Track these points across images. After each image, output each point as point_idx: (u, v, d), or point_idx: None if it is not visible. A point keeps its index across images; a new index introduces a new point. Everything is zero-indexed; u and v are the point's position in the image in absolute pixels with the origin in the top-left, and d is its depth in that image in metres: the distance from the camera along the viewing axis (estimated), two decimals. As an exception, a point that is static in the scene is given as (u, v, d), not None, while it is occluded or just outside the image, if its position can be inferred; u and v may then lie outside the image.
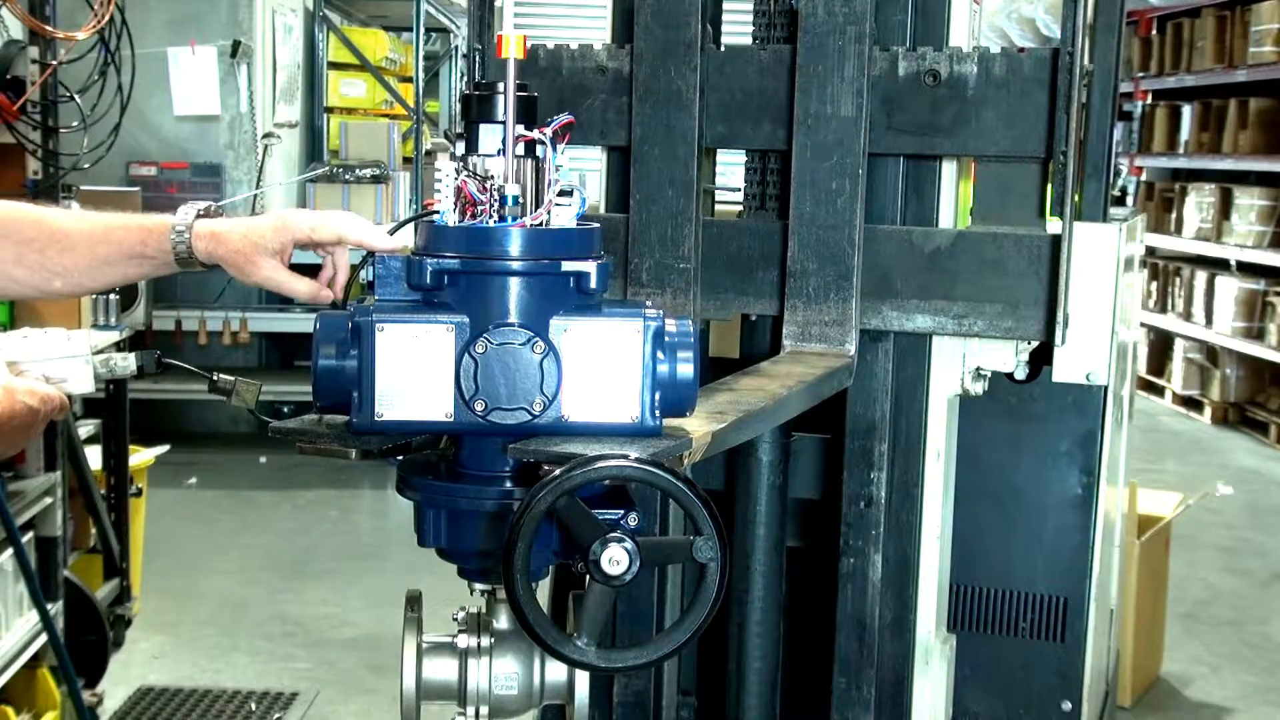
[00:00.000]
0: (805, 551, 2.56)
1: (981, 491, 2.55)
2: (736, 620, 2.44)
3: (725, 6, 2.53)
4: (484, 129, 1.61)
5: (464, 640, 1.75)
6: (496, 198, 1.57)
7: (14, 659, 3.47)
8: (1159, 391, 9.95)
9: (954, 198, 2.36)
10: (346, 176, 8.14)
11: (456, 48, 11.97)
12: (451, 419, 1.55)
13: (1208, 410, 9.33)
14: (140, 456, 4.88)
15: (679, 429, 1.61)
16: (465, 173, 1.58)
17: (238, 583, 5.57)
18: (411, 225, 1.72)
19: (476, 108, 1.62)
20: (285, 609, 5.26)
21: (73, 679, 3.01)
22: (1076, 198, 2.35)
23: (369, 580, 5.58)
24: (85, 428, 4.37)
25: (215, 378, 1.93)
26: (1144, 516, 4.53)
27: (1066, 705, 2.58)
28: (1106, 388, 2.48)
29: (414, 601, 1.79)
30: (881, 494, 2.34)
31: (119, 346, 4.20)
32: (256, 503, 6.77)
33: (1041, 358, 2.41)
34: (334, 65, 8.91)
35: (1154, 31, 10.91)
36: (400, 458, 1.67)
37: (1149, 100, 10.98)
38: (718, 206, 2.68)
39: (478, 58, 2.44)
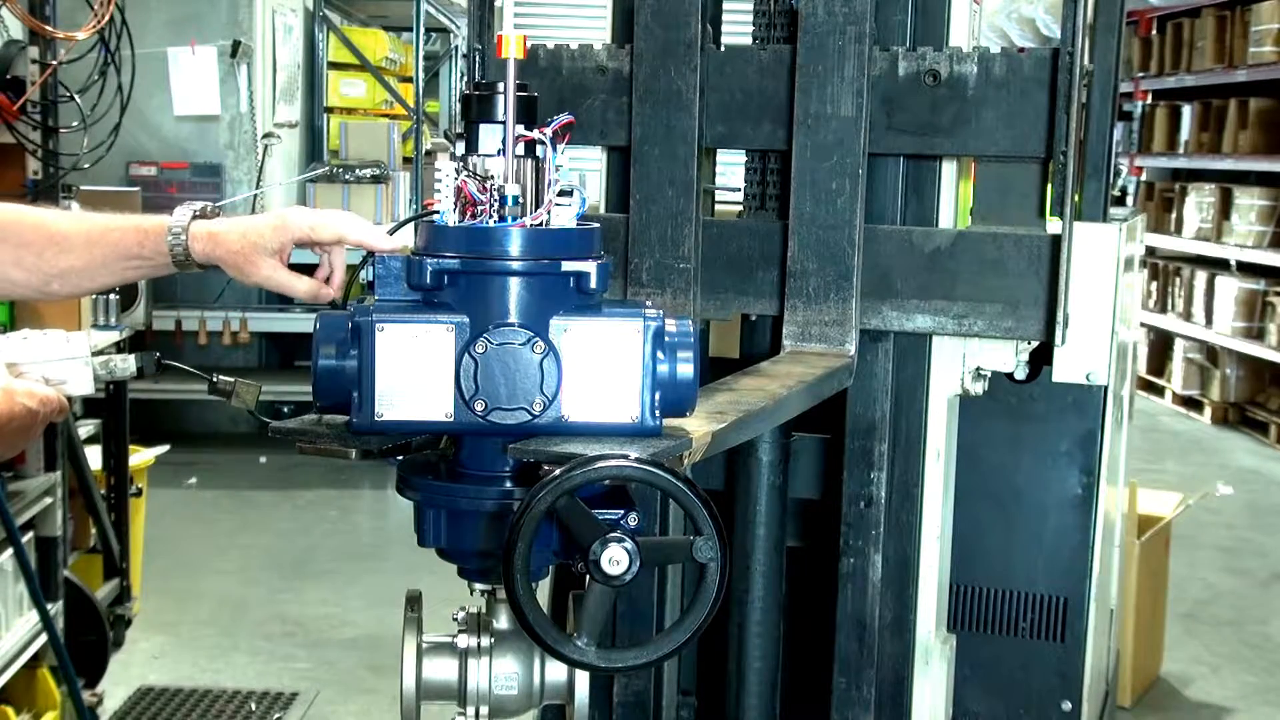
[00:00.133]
0: (805, 551, 2.56)
1: (981, 491, 2.55)
2: (736, 620, 2.44)
3: (725, 6, 2.53)
4: (484, 129, 1.61)
5: (464, 640, 1.75)
6: (496, 198, 1.57)
7: (14, 659, 3.47)
8: (1159, 391, 9.95)
9: (954, 198, 2.36)
10: (346, 176, 8.15)
11: (456, 48, 11.97)
12: (451, 419, 1.55)
13: (1208, 410, 9.33)
14: (140, 456, 4.88)
15: (679, 429, 1.61)
16: (465, 173, 1.58)
17: (238, 583, 5.57)
18: (411, 225, 1.72)
19: (476, 108, 1.62)
20: (285, 609, 5.26)
21: (73, 679, 3.01)
22: (1076, 198, 2.35)
23: (369, 580, 5.58)
24: (85, 428, 4.37)
25: (215, 379, 1.93)
26: (1144, 516, 4.53)
27: (1066, 705, 2.58)
28: (1106, 388, 2.48)
29: (414, 601, 1.79)
30: (881, 494, 2.34)
31: (119, 346, 4.20)
32: (256, 503, 6.77)
33: (1041, 358, 2.41)
34: (334, 65, 8.91)
35: (1154, 31, 10.91)
36: (400, 458, 1.67)
37: (1149, 100, 10.98)
38: (718, 206, 2.68)
39: (478, 58, 2.44)
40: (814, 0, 2.26)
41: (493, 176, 1.58)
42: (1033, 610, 2.58)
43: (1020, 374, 2.37)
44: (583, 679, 1.74)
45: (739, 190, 2.57)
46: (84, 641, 4.01)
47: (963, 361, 2.34)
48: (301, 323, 7.37)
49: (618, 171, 2.46)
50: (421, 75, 8.92)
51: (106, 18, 3.91)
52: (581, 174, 1.68)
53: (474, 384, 1.53)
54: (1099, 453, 2.54)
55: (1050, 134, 2.20)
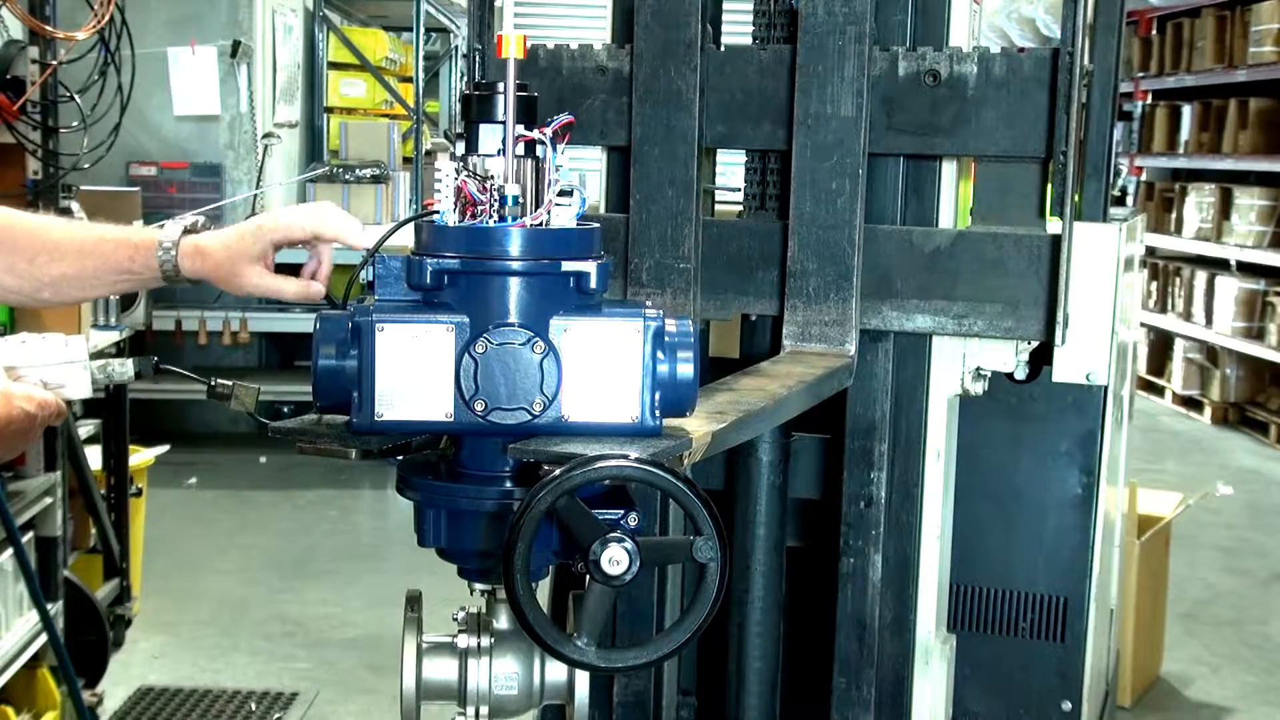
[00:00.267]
0: (805, 551, 2.56)
1: (981, 491, 2.55)
2: (736, 620, 2.44)
3: (725, 6, 2.53)
4: (484, 129, 1.61)
5: (464, 640, 1.75)
6: (496, 198, 1.57)
7: (14, 659, 3.47)
8: (1159, 391, 9.95)
9: (954, 198, 2.36)
10: (346, 176, 8.15)
11: (456, 48, 11.97)
12: (451, 419, 1.55)
13: (1208, 410, 9.33)
14: (140, 456, 4.88)
15: (679, 429, 1.61)
16: (465, 173, 1.58)
17: (238, 583, 5.57)
18: (411, 225, 1.72)
19: (476, 108, 1.62)
20: (285, 609, 5.26)
21: (73, 679, 3.01)
22: (1076, 198, 2.35)
23: (369, 580, 5.58)
24: (85, 428, 4.37)
25: (213, 383, 1.93)
26: (1144, 516, 4.53)
27: (1066, 705, 2.58)
28: (1106, 388, 2.48)
29: (414, 601, 1.79)
30: (881, 494, 2.34)
31: (119, 347, 4.20)
32: (256, 503, 6.77)
33: (1041, 358, 2.41)
34: (334, 65, 8.91)
35: (1154, 31, 10.91)
36: (400, 458, 1.67)
37: (1149, 100, 10.98)
38: (718, 206, 2.68)
39: (478, 58, 2.44)
40: (814, 0, 2.26)
41: (493, 176, 1.58)
42: (1033, 610, 2.58)
43: (1020, 374, 2.37)
44: (583, 679, 1.74)
45: (739, 190, 2.57)
46: (84, 641, 4.01)
47: (963, 361, 2.34)
48: (301, 323, 7.37)
49: (618, 171, 2.46)
50: (421, 75, 8.93)
51: (106, 18, 3.91)
52: (581, 174, 1.68)
53: (474, 384, 1.53)
54: (1099, 453, 2.54)
55: (1050, 134, 2.20)
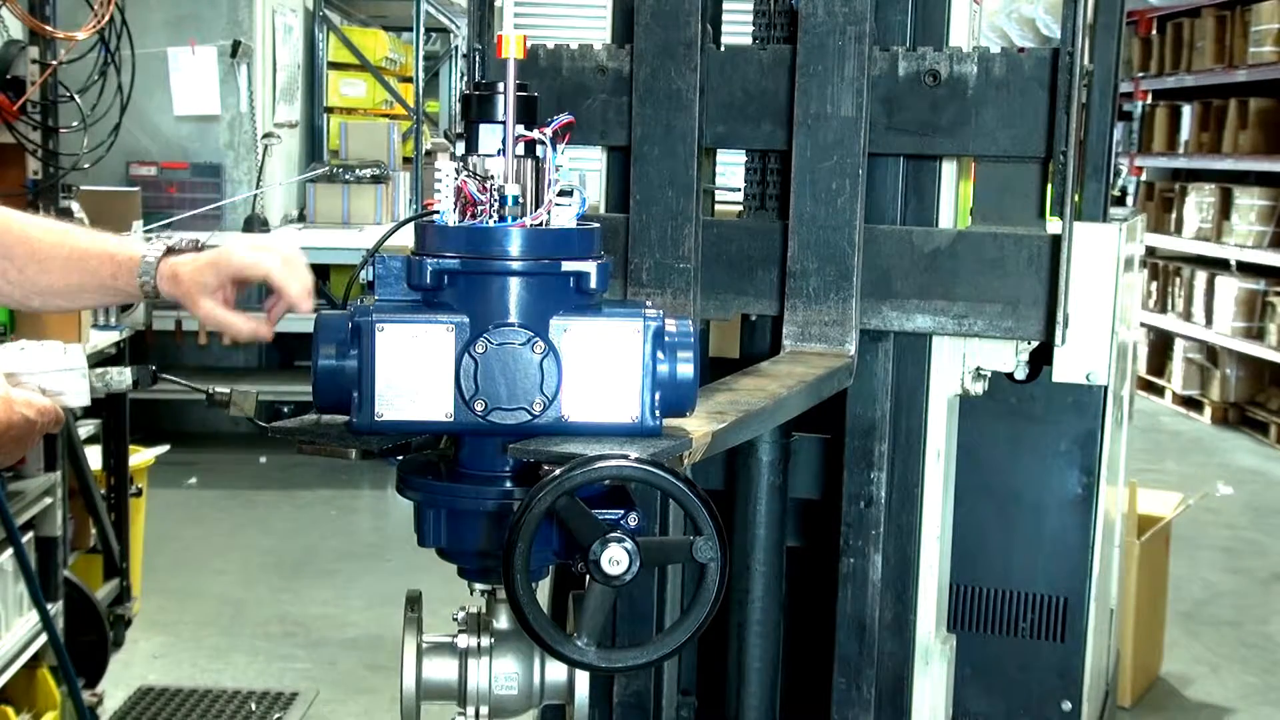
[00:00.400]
0: (805, 551, 2.56)
1: (981, 491, 2.55)
2: (736, 620, 2.44)
3: (725, 6, 2.53)
4: (484, 129, 1.61)
5: (464, 640, 1.75)
6: (496, 198, 1.57)
7: (14, 659, 3.47)
8: (1159, 391, 9.95)
9: (954, 198, 2.36)
10: (346, 176, 8.15)
11: (456, 48, 11.97)
12: (451, 419, 1.55)
13: (1208, 410, 9.33)
14: (140, 456, 4.88)
15: (679, 429, 1.61)
16: (465, 173, 1.58)
17: (238, 583, 5.57)
18: (412, 225, 1.72)
19: (476, 108, 1.62)
20: (285, 609, 5.26)
21: (73, 679, 3.01)
22: (1076, 198, 2.35)
23: (369, 580, 5.58)
24: (85, 428, 4.37)
25: (211, 391, 1.94)
26: (1144, 516, 4.52)
27: (1066, 705, 2.58)
28: (1106, 388, 2.49)
29: (414, 601, 1.79)
30: (881, 494, 2.34)
31: (119, 346, 4.20)
32: (256, 503, 6.76)
33: (1041, 358, 2.41)
34: (334, 65, 8.91)
35: (1154, 31, 10.91)
36: (400, 458, 1.67)
37: (1149, 100, 10.98)
38: (718, 206, 2.68)
39: (478, 58, 2.44)
40: (814, 0, 2.26)
41: (493, 176, 1.58)
42: (1033, 610, 2.58)
43: (1020, 374, 2.37)
44: (583, 679, 1.74)
45: (739, 190, 2.57)
46: (84, 641, 4.01)
47: (963, 361, 2.34)
48: (301, 323, 7.33)
49: (618, 171, 2.46)
50: (421, 75, 8.92)
51: (106, 18, 3.91)
52: (581, 174, 1.68)
53: (474, 384, 1.53)
54: (1099, 453, 2.54)
55: (1050, 134, 2.21)
